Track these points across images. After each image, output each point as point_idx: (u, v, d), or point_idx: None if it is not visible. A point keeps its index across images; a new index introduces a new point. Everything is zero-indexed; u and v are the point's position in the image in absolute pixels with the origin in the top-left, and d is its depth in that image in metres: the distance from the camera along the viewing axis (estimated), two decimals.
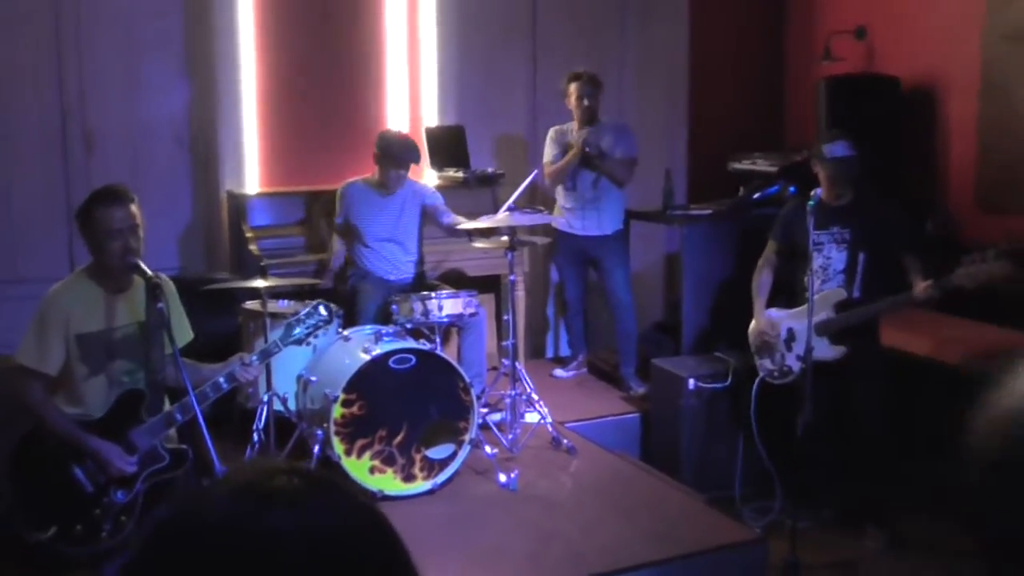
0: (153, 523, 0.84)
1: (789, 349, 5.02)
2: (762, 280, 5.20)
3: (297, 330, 4.01)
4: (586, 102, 6.04)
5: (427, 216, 5.70)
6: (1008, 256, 4.47)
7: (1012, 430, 0.94)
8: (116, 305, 3.80)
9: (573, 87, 6.08)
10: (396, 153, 5.47)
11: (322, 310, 4.07)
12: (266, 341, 4.46)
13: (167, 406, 3.85)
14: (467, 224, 5.46)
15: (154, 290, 3.62)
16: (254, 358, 3.91)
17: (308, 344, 4.25)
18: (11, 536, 3.67)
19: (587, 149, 5.99)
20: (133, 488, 3.75)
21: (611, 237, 6.25)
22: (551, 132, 6.28)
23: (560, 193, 6.30)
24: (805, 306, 4.66)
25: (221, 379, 3.79)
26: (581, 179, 6.16)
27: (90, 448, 3.67)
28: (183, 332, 3.93)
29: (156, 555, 0.83)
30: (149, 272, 3.66)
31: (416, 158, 5.60)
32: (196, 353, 3.98)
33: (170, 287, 3.90)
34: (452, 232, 5.70)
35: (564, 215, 6.26)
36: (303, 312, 4.06)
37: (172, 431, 3.86)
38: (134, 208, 3.73)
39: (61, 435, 3.67)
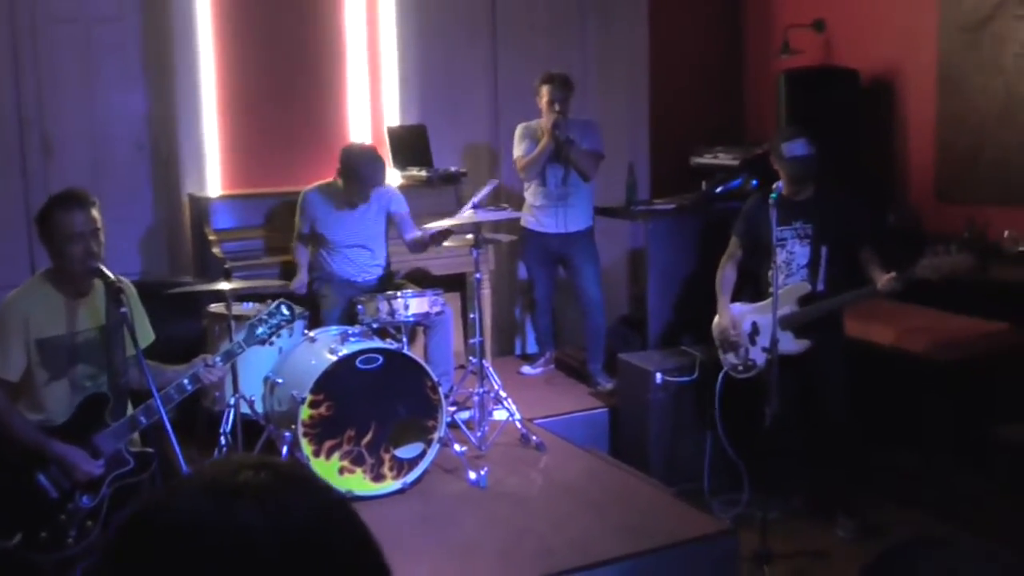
0: (119, 522, 0.83)
1: (753, 343, 5.04)
2: (725, 276, 5.22)
3: (260, 330, 4.01)
4: (557, 107, 5.97)
5: (391, 223, 5.67)
6: (970, 248, 4.53)
7: None
8: (77, 310, 3.77)
9: (545, 89, 6.01)
10: (363, 175, 5.38)
11: (284, 309, 4.08)
12: (231, 342, 4.45)
13: (130, 409, 3.82)
14: (436, 225, 5.41)
15: (117, 294, 3.59)
16: (218, 359, 3.90)
17: (271, 344, 4.23)
18: None
19: (556, 132, 5.96)
20: (99, 493, 3.71)
21: (581, 234, 6.26)
22: (520, 128, 6.25)
23: (530, 191, 6.29)
24: (769, 300, 4.69)
25: (185, 381, 3.78)
26: (551, 175, 6.16)
27: (54, 453, 3.62)
28: (145, 334, 3.91)
29: (123, 554, 0.82)
30: (111, 276, 3.64)
31: (382, 178, 5.53)
32: (160, 356, 3.96)
33: (131, 290, 3.88)
34: (414, 247, 5.63)
35: (533, 213, 6.25)
36: (265, 312, 4.07)
37: (136, 435, 3.83)
38: (95, 212, 3.70)
39: (24, 441, 3.62)
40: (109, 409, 3.74)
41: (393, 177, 6.49)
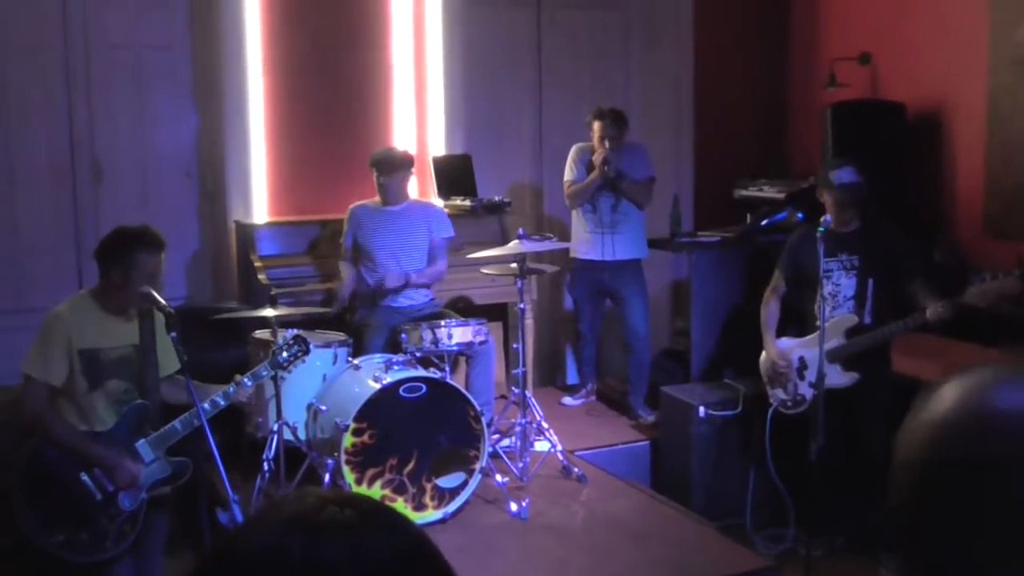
0: (202, 555, 0.84)
1: (802, 378, 5.00)
2: (770, 311, 5.19)
3: (281, 356, 4.28)
4: (607, 144, 5.96)
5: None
6: (1020, 274, 4.48)
7: (930, 439, 0.92)
8: (115, 326, 3.95)
9: (597, 126, 6.00)
10: (379, 159, 5.67)
11: (299, 342, 4.33)
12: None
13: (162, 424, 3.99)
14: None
15: (168, 318, 3.69)
16: (247, 380, 4.10)
17: (288, 372, 4.51)
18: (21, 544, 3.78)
19: (606, 168, 5.96)
20: (138, 497, 3.86)
21: (630, 265, 6.22)
22: (574, 151, 6.25)
23: (579, 218, 6.27)
24: (816, 335, 4.65)
25: (218, 397, 3.98)
26: (602, 202, 6.14)
27: (99, 456, 3.80)
28: (173, 360, 4.00)
29: None
30: (162, 301, 3.77)
31: (401, 162, 5.70)
32: (202, 379, 4.08)
33: (161, 318, 3.97)
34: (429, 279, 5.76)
35: (582, 241, 6.23)
36: (282, 342, 4.34)
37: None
38: (163, 255, 3.95)
39: (68, 444, 3.79)
40: (149, 419, 3.92)
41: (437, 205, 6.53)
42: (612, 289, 6.29)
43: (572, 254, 6.29)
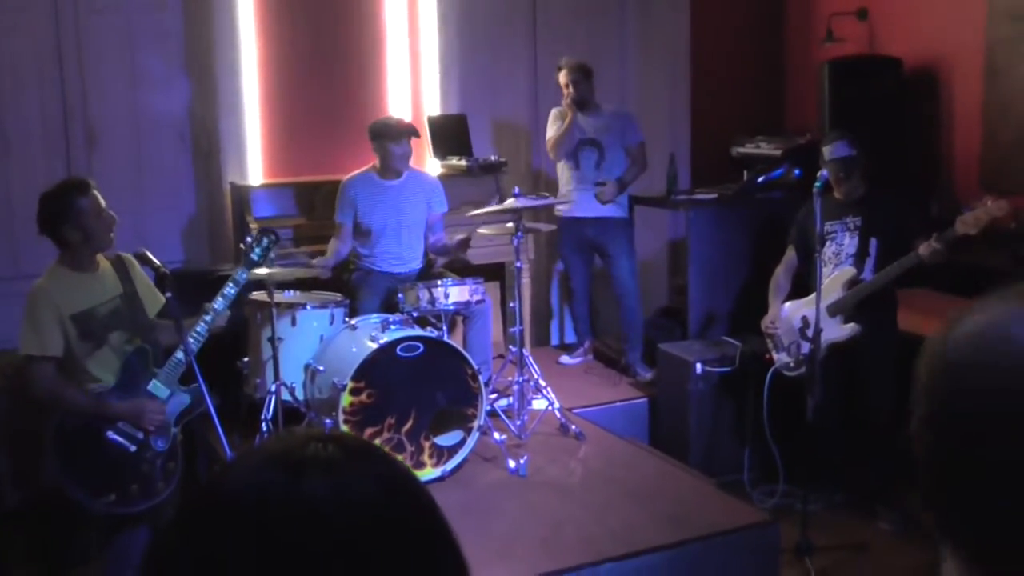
0: (184, 494, 0.83)
1: (804, 338, 4.99)
2: (779, 282, 5.22)
3: (255, 252, 4.35)
4: (571, 89, 6.09)
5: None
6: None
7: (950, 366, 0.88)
8: (95, 284, 4.03)
9: (560, 76, 6.16)
10: (389, 128, 5.54)
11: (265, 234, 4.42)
12: (272, 332, 4.73)
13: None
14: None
15: (125, 269, 4.00)
16: (218, 302, 4.16)
17: (267, 267, 4.56)
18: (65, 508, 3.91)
19: (572, 103, 6.11)
20: (170, 434, 3.98)
21: (614, 222, 6.24)
22: (552, 112, 6.33)
23: (563, 176, 6.30)
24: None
25: (207, 316, 4.09)
26: (584, 158, 6.18)
27: (116, 411, 3.89)
28: (156, 299, 4.18)
29: (189, 524, 0.82)
30: (154, 259, 3.96)
31: (413, 129, 5.62)
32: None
33: (131, 261, 4.17)
34: (436, 251, 5.73)
35: (567, 198, 6.26)
36: (250, 239, 4.42)
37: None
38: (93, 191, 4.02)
39: (83, 409, 3.87)
40: (151, 359, 4.01)
41: (433, 167, 6.50)
42: (598, 245, 6.32)
43: (556, 212, 6.30)
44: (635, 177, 6.24)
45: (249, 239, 4.43)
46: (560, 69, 6.17)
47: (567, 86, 6.11)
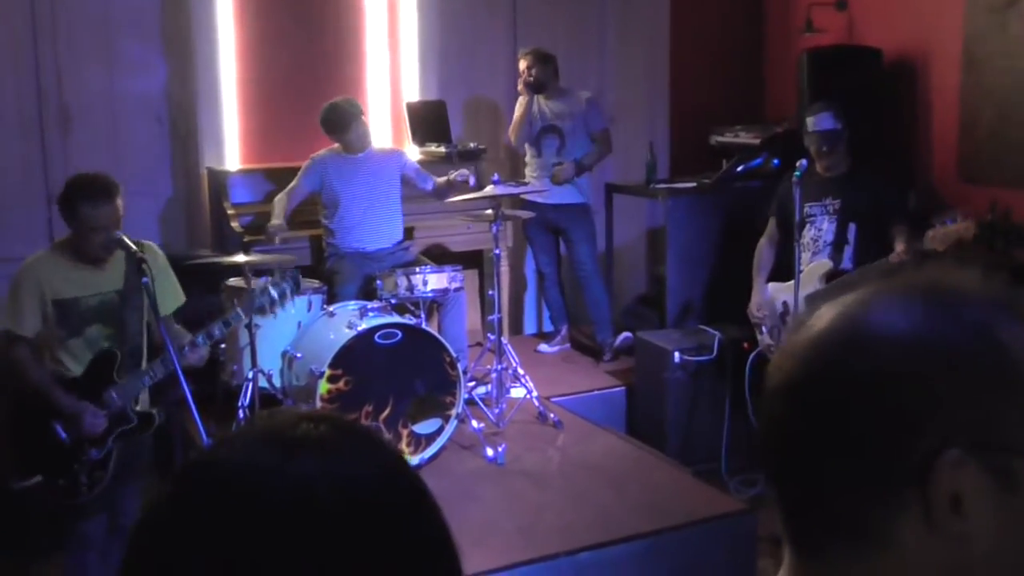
0: (174, 473, 0.82)
1: (785, 323, 5.01)
2: (763, 256, 5.22)
3: (259, 300, 4.21)
4: (526, 74, 6.19)
5: (409, 185, 5.71)
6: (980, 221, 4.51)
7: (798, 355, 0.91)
8: (93, 275, 3.90)
9: (521, 64, 6.26)
10: (339, 114, 5.57)
11: (272, 292, 4.22)
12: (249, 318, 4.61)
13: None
14: (455, 174, 5.59)
15: (139, 264, 3.66)
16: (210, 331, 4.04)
17: (274, 314, 4.44)
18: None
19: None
20: (105, 446, 3.85)
21: (575, 208, 6.27)
22: (519, 100, 6.36)
23: (528, 164, 6.37)
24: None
25: (199, 339, 3.94)
26: (546, 146, 6.24)
27: (61, 405, 3.78)
28: (176, 296, 4.08)
29: (179, 501, 0.81)
30: (132, 246, 3.75)
31: (358, 109, 5.66)
32: (182, 325, 4.11)
33: (157, 255, 4.01)
34: (440, 194, 5.70)
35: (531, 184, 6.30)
36: (270, 282, 4.27)
37: (146, 395, 4.00)
38: (119, 201, 3.81)
39: (40, 390, 3.78)
40: (118, 366, 3.86)
41: (412, 153, 6.48)
42: (560, 228, 6.37)
43: (520, 197, 6.32)
44: (595, 161, 6.26)
45: (264, 280, 4.24)
46: (520, 57, 6.26)
47: (524, 71, 6.17)
